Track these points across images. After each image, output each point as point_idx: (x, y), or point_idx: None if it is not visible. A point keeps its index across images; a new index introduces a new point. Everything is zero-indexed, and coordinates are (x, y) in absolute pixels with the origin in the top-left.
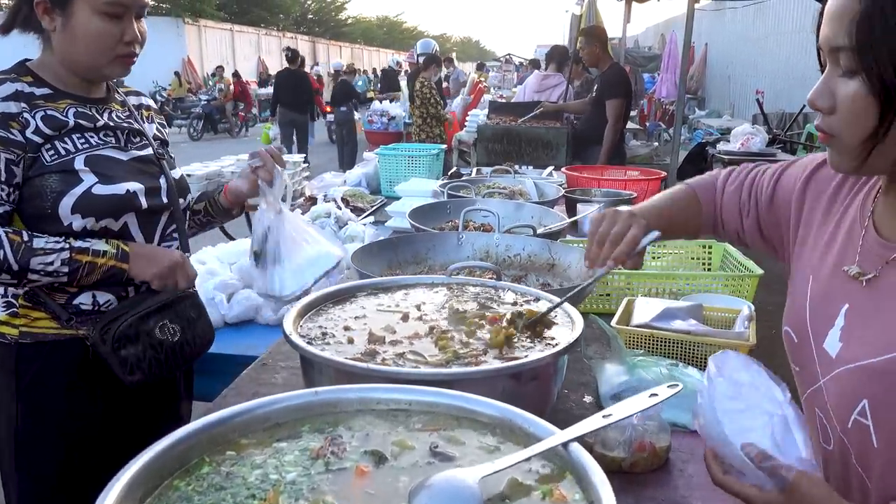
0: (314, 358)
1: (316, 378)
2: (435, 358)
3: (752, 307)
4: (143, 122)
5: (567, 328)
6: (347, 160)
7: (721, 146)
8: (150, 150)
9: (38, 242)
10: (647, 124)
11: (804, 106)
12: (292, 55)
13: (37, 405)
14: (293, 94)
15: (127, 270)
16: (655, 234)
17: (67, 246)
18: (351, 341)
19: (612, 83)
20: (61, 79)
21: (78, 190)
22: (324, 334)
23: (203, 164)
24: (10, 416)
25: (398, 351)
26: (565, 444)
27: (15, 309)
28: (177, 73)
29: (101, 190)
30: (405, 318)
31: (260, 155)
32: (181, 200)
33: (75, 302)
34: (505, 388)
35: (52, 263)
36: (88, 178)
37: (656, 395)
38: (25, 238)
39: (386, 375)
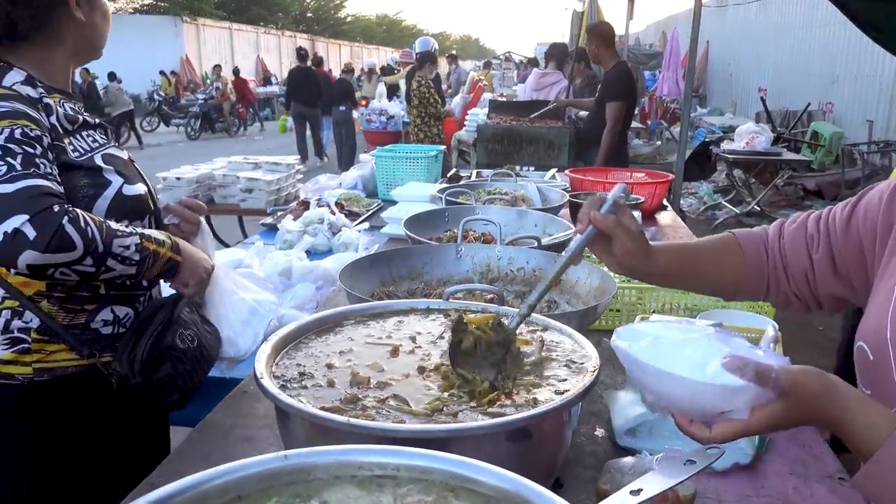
0: (287, 409)
1: (292, 431)
2: (421, 405)
3: (777, 327)
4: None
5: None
6: (346, 160)
7: (725, 145)
8: (127, 152)
9: (114, 224)
10: (649, 122)
11: (808, 104)
12: (305, 54)
13: (53, 454)
14: (304, 90)
15: (180, 265)
16: (622, 185)
17: (137, 231)
18: (332, 384)
19: (613, 84)
20: (46, 74)
21: (110, 192)
22: (301, 375)
23: (194, 167)
24: (20, 472)
25: (383, 395)
26: None
27: (26, 345)
28: (162, 72)
29: (129, 191)
30: (395, 352)
31: (171, 210)
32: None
33: (94, 324)
34: (509, 445)
35: (128, 248)
36: (115, 179)
37: (693, 461)
38: (102, 217)
39: (369, 432)
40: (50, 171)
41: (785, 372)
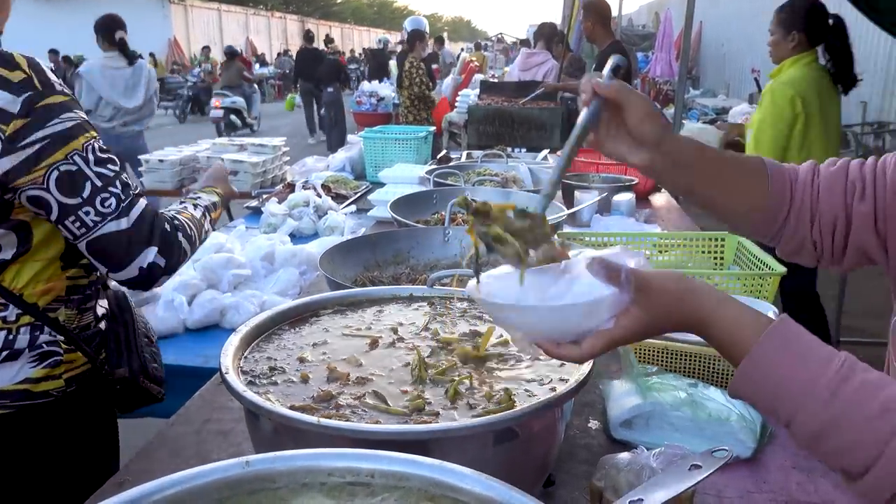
0: (254, 408)
1: (261, 431)
2: (401, 403)
3: (777, 312)
4: None
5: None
6: (336, 143)
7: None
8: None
9: (191, 208)
10: None
11: None
12: (312, 36)
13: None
14: (310, 69)
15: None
16: (618, 56)
17: (201, 205)
18: (305, 379)
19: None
20: None
21: None
22: (272, 370)
23: (177, 149)
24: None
25: (359, 393)
26: None
27: (58, 357)
28: (151, 55)
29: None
30: (374, 344)
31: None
32: None
33: (97, 321)
34: (496, 447)
35: (207, 230)
36: None
37: (699, 465)
38: (189, 209)
39: (341, 434)
40: (133, 181)
41: (637, 272)
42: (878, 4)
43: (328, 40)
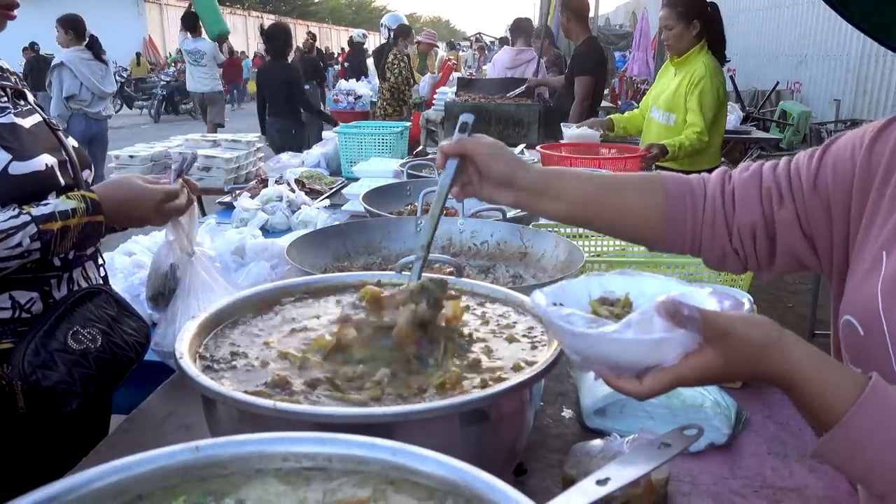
0: (208, 393)
1: (219, 419)
2: (362, 392)
3: (752, 300)
4: (18, 85)
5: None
6: (314, 141)
7: None
8: (39, 117)
9: None
10: (620, 103)
11: (777, 83)
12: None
13: None
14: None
15: (104, 222)
16: (467, 114)
17: (29, 218)
18: (265, 364)
19: (582, 58)
20: None
21: None
22: (234, 354)
23: (149, 145)
24: None
25: (315, 377)
26: None
27: None
28: (138, 54)
29: (19, 169)
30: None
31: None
32: (87, 173)
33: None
34: (464, 429)
35: (19, 245)
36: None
37: (668, 445)
38: None
39: (300, 418)
40: None
41: (715, 315)
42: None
43: (311, 37)
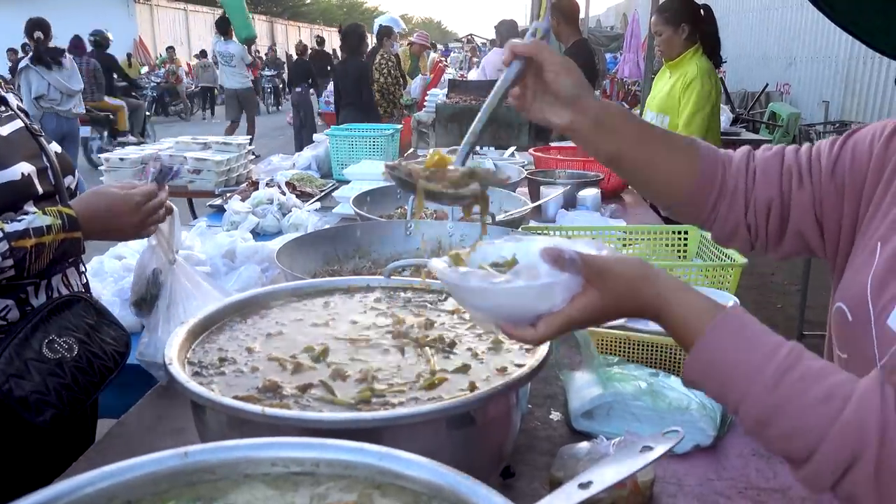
0: (197, 399)
1: (209, 425)
2: (349, 395)
3: (738, 301)
4: None
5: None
6: (305, 143)
7: None
8: (20, 123)
9: None
10: None
11: (766, 85)
12: (321, 41)
13: None
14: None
15: (81, 238)
16: (540, 23)
17: (1, 234)
18: (255, 370)
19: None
20: None
21: None
22: (222, 360)
23: (139, 147)
24: None
25: (305, 382)
26: None
27: None
28: (129, 55)
29: None
30: (327, 335)
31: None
32: (70, 179)
33: None
34: (450, 434)
35: None
36: None
37: (650, 447)
38: None
39: (288, 423)
40: None
41: (594, 257)
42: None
43: (319, 41)
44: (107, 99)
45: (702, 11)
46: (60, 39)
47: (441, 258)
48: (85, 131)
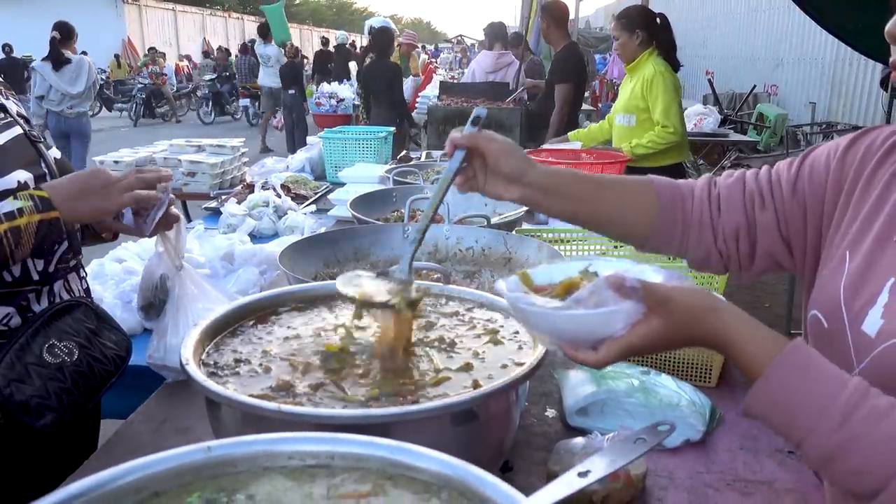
0: (214, 397)
1: (224, 422)
2: (359, 392)
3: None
4: None
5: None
6: (298, 145)
7: None
8: (19, 130)
9: None
10: (600, 105)
11: (754, 86)
12: (326, 41)
13: None
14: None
15: (60, 218)
16: (480, 108)
17: None
18: (268, 370)
19: (561, 65)
20: None
21: None
22: (237, 361)
23: (133, 150)
24: None
25: (317, 382)
26: None
27: None
28: (116, 55)
29: None
30: (336, 335)
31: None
32: None
33: None
34: (454, 429)
35: None
36: None
37: (644, 439)
38: None
39: (303, 420)
40: None
41: (655, 286)
42: (822, 8)
43: (323, 41)
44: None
45: (657, 20)
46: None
47: (509, 278)
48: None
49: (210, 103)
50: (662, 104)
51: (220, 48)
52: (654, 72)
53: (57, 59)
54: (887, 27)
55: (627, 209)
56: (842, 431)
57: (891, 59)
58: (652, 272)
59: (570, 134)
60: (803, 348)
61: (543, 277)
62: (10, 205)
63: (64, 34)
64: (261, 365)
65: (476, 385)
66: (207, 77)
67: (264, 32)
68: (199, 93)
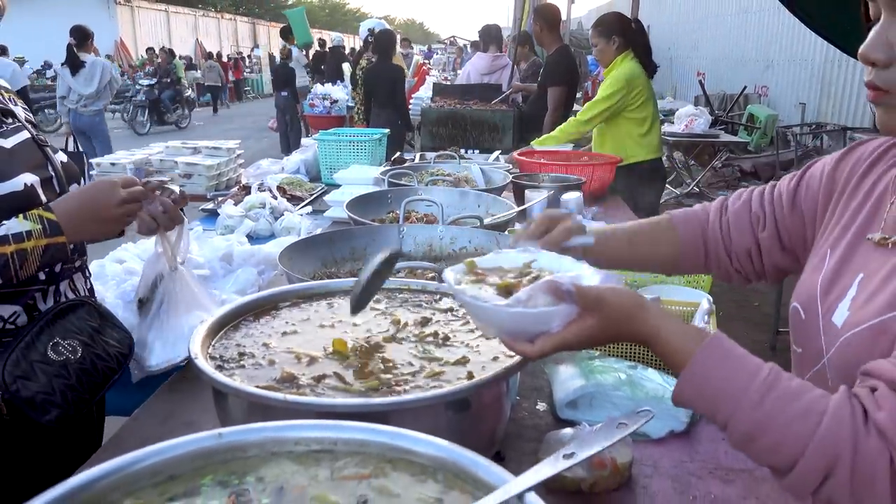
0: (222, 388)
1: (230, 412)
2: (359, 384)
3: (711, 300)
4: (7, 102)
5: None
6: (292, 147)
7: (666, 127)
8: (27, 134)
9: None
10: None
11: (745, 87)
12: (323, 42)
13: None
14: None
15: (66, 242)
16: (590, 239)
17: None
18: (272, 363)
19: (554, 68)
20: None
21: None
22: (241, 355)
23: (129, 152)
24: None
25: (319, 373)
26: (521, 496)
27: None
28: (108, 56)
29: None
30: (335, 332)
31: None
32: (76, 186)
33: None
34: (449, 417)
35: None
36: None
37: (625, 423)
38: None
39: (307, 408)
40: None
41: (590, 289)
42: (810, 10)
43: (321, 43)
44: None
45: (633, 25)
46: (43, 41)
47: (455, 266)
48: None
49: (146, 111)
50: (596, 99)
51: (162, 48)
52: (619, 73)
53: (73, 64)
54: (860, 49)
55: (656, 253)
56: (758, 411)
57: (865, 79)
58: (591, 272)
59: (534, 142)
60: (723, 340)
61: (489, 265)
62: (18, 225)
63: (79, 38)
64: (264, 358)
65: (470, 376)
66: (145, 82)
67: (286, 35)
68: (134, 99)
